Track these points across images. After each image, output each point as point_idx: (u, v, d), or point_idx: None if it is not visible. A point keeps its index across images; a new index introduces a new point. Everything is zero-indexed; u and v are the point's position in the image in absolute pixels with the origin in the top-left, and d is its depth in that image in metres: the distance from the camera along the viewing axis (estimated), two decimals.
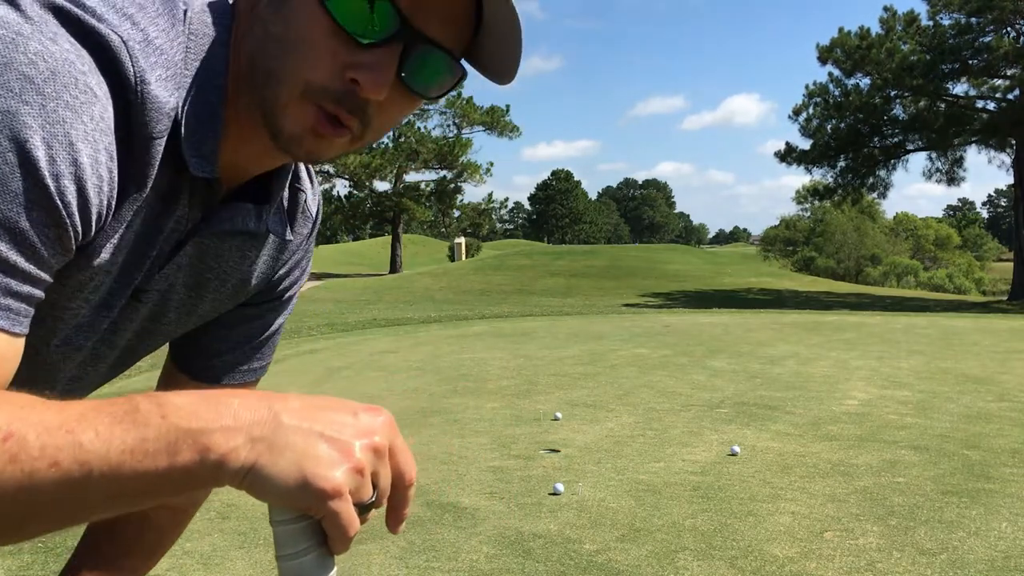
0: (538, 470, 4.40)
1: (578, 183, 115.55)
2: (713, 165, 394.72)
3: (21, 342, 0.60)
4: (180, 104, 0.68)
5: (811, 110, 28.81)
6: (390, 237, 44.69)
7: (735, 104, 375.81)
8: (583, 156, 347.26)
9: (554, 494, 3.98)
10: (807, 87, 28.93)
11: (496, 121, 39.00)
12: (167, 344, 0.96)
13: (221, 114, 0.71)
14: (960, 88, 26.74)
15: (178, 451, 0.51)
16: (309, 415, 0.55)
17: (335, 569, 0.59)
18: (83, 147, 0.59)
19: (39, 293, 0.61)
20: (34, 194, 0.57)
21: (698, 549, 3.28)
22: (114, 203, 0.65)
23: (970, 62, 24.78)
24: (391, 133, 32.31)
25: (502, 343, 10.25)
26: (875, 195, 31.34)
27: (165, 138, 0.67)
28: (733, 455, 4.66)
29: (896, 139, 28.65)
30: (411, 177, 41.69)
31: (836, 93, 28.36)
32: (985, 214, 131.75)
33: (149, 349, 0.90)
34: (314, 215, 0.94)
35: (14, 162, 0.55)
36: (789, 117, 29.34)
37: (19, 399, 0.53)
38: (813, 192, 34.67)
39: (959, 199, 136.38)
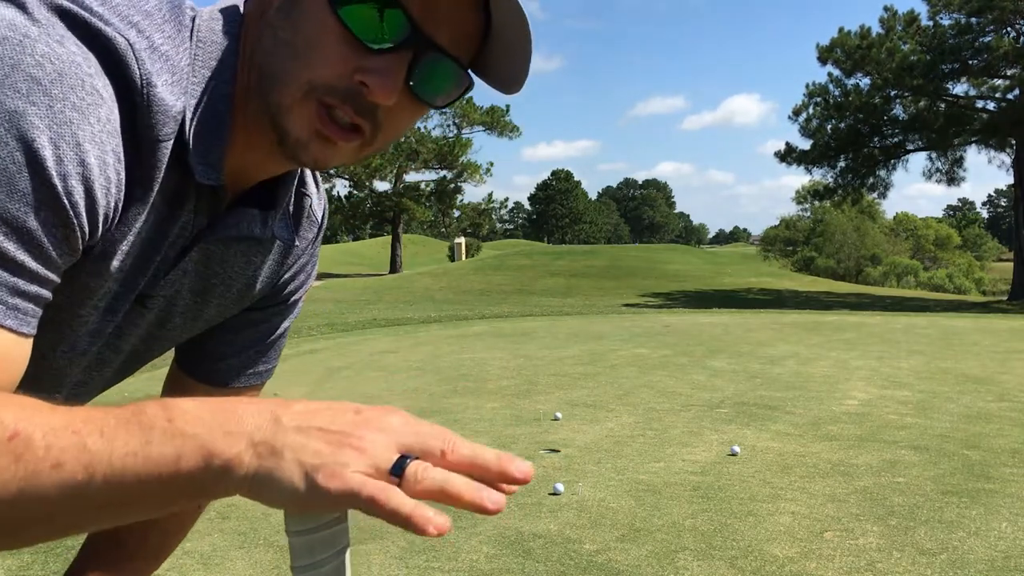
0: (538, 470, 4.40)
1: (578, 183, 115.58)
2: (713, 165, 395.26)
3: (29, 343, 0.60)
4: (186, 110, 0.68)
5: (811, 110, 28.79)
6: (390, 237, 44.69)
7: (735, 104, 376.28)
8: (583, 156, 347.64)
9: (554, 494, 3.98)
10: (807, 87, 28.93)
11: (496, 121, 39.01)
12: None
13: (228, 122, 0.71)
14: (960, 88, 26.76)
15: (182, 456, 0.50)
16: (308, 416, 0.53)
17: None
18: (90, 148, 0.59)
19: (47, 294, 0.61)
20: (42, 194, 0.57)
21: (698, 549, 3.28)
22: (121, 205, 0.65)
23: (970, 62, 24.77)
24: None
25: (502, 343, 10.25)
26: (875, 195, 31.34)
27: (172, 141, 0.67)
28: (733, 455, 4.66)
29: (896, 139, 28.63)
30: (411, 177, 41.75)
31: (836, 93, 28.35)
32: (985, 214, 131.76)
33: (155, 354, 0.90)
34: (320, 220, 0.94)
35: (22, 162, 0.56)
36: (789, 117, 29.35)
37: (26, 401, 0.53)
38: (813, 192, 34.68)
39: (959, 199, 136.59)
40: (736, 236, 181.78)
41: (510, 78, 0.73)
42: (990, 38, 24.29)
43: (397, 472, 0.51)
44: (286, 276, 0.94)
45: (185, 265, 0.78)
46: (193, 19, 0.71)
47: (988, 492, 3.94)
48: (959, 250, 58.50)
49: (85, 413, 0.52)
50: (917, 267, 46.55)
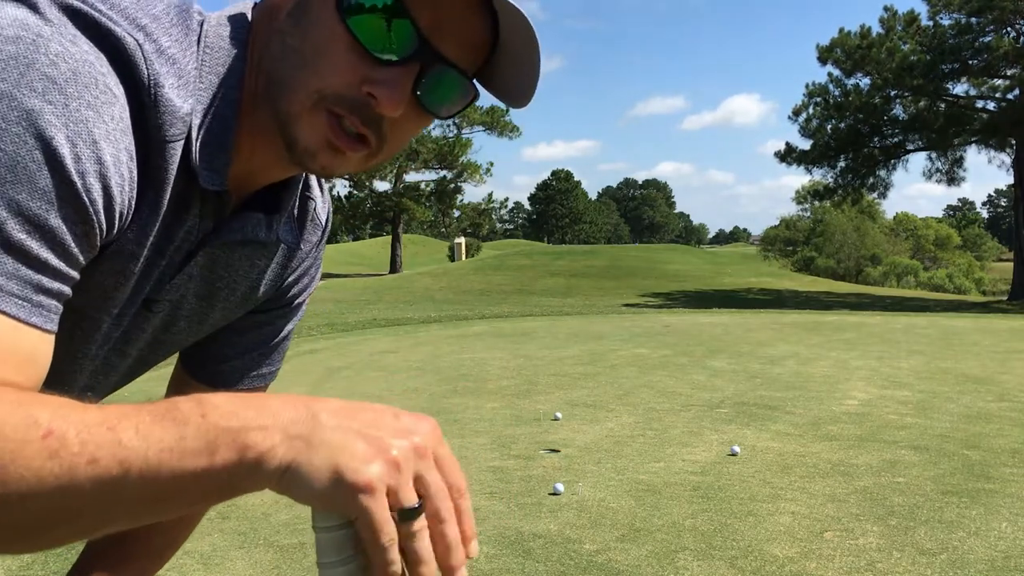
0: (538, 470, 4.40)
1: (578, 183, 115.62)
2: (713, 165, 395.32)
3: (52, 340, 0.61)
4: (193, 114, 0.68)
5: (811, 110, 28.80)
6: (390, 237, 44.72)
7: (735, 104, 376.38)
8: (583, 156, 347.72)
9: (554, 494, 3.98)
10: (807, 87, 28.95)
11: (496, 121, 39.02)
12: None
13: (234, 127, 0.71)
14: (960, 88, 26.77)
15: (217, 450, 0.50)
16: (348, 414, 0.54)
17: None
18: (106, 146, 0.60)
19: (67, 290, 0.61)
20: (62, 191, 0.57)
21: (698, 549, 3.28)
22: (134, 202, 0.66)
23: (970, 62, 24.78)
24: None
25: (502, 343, 10.25)
26: (875, 195, 31.35)
27: (181, 142, 0.67)
28: (733, 455, 4.67)
29: (896, 139, 28.64)
30: (411, 177, 41.77)
31: (836, 93, 28.36)
32: (985, 214, 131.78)
33: (160, 359, 0.90)
34: (324, 223, 0.94)
35: (41, 160, 0.56)
36: (789, 117, 29.36)
37: (59, 399, 0.53)
38: (813, 192, 34.68)
39: (959, 199, 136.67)
40: (736, 236, 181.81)
41: (517, 91, 0.74)
42: (990, 38, 24.30)
43: (406, 516, 0.53)
44: (290, 279, 0.94)
45: (190, 270, 0.78)
46: (201, 24, 0.71)
47: (988, 492, 3.95)
48: (959, 250, 58.51)
49: (119, 410, 0.52)
50: (917, 267, 46.55)
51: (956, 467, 4.37)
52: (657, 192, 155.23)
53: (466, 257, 44.44)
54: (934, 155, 29.27)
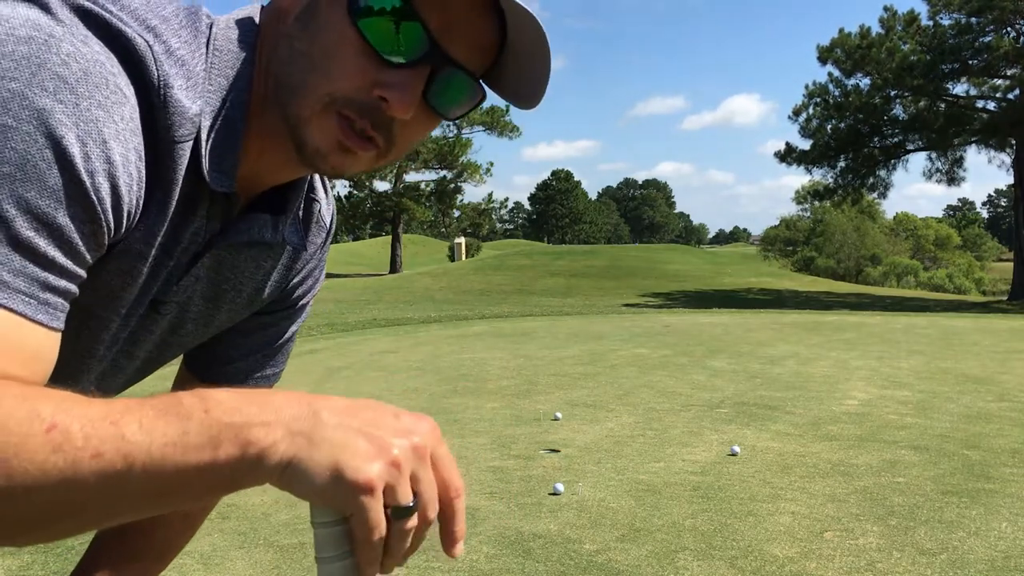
0: (538, 470, 4.41)
1: (578, 183, 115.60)
2: (713, 165, 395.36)
3: (59, 337, 0.61)
4: (202, 116, 0.68)
5: (811, 110, 28.81)
6: (390, 237, 44.73)
7: (735, 104, 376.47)
8: (583, 156, 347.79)
9: (554, 494, 3.98)
10: (807, 87, 28.96)
11: (496, 121, 39.00)
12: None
13: (242, 130, 0.71)
14: (960, 88, 26.79)
15: (219, 444, 0.51)
16: (349, 413, 0.55)
17: None
18: (115, 145, 0.60)
19: (74, 289, 0.61)
20: (71, 190, 0.58)
21: (698, 549, 3.29)
22: (142, 202, 0.66)
23: (970, 62, 24.79)
24: None
25: (502, 343, 10.26)
26: (875, 195, 31.36)
27: (190, 143, 0.68)
28: (733, 455, 4.67)
29: (896, 139, 28.65)
30: (411, 177, 41.76)
31: (836, 93, 28.37)
32: (985, 214, 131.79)
33: (166, 360, 0.90)
34: (328, 225, 0.95)
35: (51, 159, 0.56)
36: (789, 117, 29.37)
37: (63, 394, 0.53)
38: (813, 192, 34.67)
39: (959, 199, 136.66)
40: (736, 236, 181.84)
41: (527, 92, 0.74)
42: (990, 38, 24.31)
43: (399, 514, 0.54)
44: (295, 280, 0.94)
45: (198, 271, 0.78)
46: (210, 27, 0.71)
47: (988, 492, 3.95)
48: (959, 250, 58.52)
49: (122, 404, 0.52)
50: (917, 267, 46.56)
51: (956, 467, 4.37)
52: (657, 192, 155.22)
53: (466, 257, 44.45)
54: (934, 155, 29.28)
